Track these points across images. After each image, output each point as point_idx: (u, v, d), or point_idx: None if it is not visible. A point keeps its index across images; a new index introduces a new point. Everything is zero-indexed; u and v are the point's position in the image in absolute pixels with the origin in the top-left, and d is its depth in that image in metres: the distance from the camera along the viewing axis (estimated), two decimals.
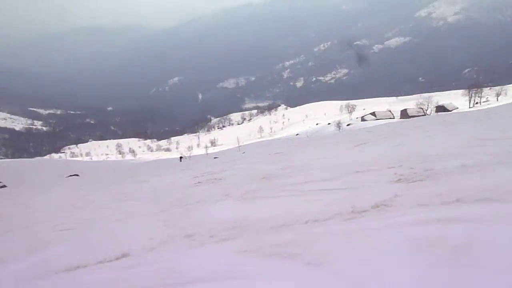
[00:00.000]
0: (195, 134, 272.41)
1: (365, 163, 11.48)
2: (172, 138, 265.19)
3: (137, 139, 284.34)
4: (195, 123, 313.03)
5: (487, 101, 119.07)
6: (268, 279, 3.40)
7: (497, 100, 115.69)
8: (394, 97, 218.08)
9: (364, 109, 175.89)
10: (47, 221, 9.99)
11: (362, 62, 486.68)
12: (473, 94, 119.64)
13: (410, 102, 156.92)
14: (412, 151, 12.61)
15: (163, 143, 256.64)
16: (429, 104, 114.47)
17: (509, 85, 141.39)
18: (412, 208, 5.22)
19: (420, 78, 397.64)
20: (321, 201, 6.85)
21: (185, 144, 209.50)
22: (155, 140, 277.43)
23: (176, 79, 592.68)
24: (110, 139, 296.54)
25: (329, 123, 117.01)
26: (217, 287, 3.32)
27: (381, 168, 10.04)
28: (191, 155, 72.34)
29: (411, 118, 70.06)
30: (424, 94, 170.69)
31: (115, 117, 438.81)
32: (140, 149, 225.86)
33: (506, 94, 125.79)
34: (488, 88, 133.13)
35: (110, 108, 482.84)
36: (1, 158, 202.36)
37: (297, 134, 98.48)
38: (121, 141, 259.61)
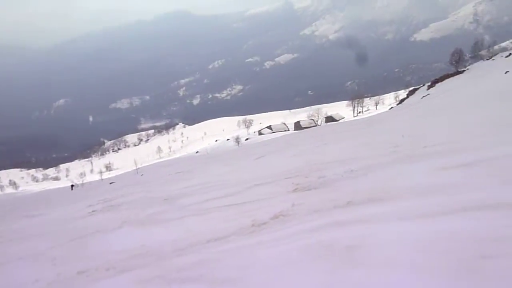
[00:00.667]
0: (87, 159, 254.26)
1: (264, 175, 11.82)
2: (61, 166, 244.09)
3: (18, 169, 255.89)
4: (87, 147, 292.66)
5: (368, 110, 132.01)
6: None
7: (376, 108, 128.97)
8: (287, 110, 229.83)
9: (260, 123, 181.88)
10: None
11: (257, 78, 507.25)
12: (356, 104, 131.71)
13: (302, 114, 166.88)
14: (307, 161, 13.35)
15: (51, 171, 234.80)
16: (319, 115, 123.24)
17: (385, 95, 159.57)
18: (308, 215, 5.45)
19: (309, 92, 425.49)
20: (223, 217, 6.82)
21: (77, 170, 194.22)
22: (40, 169, 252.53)
23: (62, 101, 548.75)
24: None
25: (228, 139, 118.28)
26: None
27: (279, 179, 10.41)
28: (84, 182, 67.39)
29: (304, 129, 74.48)
30: (314, 106, 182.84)
31: None
32: (23, 180, 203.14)
33: (383, 103, 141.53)
34: (368, 98, 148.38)
35: None
36: None
37: (197, 152, 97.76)
38: None
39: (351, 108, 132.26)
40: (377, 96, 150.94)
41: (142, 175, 40.94)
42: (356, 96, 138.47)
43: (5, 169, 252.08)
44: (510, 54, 50.46)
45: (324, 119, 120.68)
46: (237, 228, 5.76)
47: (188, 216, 7.55)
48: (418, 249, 3.17)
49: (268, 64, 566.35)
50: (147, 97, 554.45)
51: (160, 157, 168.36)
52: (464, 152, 8.18)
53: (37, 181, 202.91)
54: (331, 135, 24.45)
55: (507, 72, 33.19)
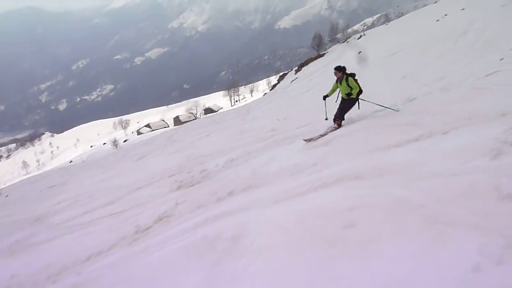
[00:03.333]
0: None
1: (146, 177, 11.42)
2: None
3: None
4: None
5: (244, 97, 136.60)
6: None
7: (252, 95, 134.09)
8: (164, 106, 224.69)
9: (138, 122, 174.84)
10: None
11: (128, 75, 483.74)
12: (232, 93, 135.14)
13: (180, 109, 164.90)
14: (189, 155, 13.27)
15: None
16: (198, 108, 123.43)
17: (258, 82, 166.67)
18: (192, 212, 5.44)
19: (185, 85, 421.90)
20: (104, 229, 6.41)
21: None
22: None
23: None
24: None
25: (104, 143, 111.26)
26: None
27: (162, 178, 10.17)
28: None
29: (184, 124, 73.71)
30: (191, 99, 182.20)
31: None
32: None
33: (258, 89, 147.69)
34: (243, 86, 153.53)
35: None
36: None
37: (71, 161, 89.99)
38: None
39: (228, 97, 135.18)
40: (251, 84, 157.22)
41: (6, 196, 36.22)
42: (231, 85, 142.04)
43: None
44: (360, 36, 56.97)
45: (203, 111, 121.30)
46: (120, 238, 5.47)
47: (64, 235, 6.91)
48: (291, 229, 3.39)
49: (138, 60, 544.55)
50: (2, 107, 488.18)
51: (27, 173, 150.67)
52: (326, 131, 8.99)
53: None
54: (211, 126, 24.69)
55: (360, 52, 37.53)
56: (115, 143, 74.93)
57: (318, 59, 55.55)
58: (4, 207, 19.70)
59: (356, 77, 8.30)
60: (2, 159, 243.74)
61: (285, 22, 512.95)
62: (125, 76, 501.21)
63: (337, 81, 8.46)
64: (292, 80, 48.75)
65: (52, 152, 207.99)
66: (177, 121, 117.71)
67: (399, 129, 6.34)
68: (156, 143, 28.39)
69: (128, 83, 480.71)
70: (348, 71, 8.53)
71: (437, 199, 3.12)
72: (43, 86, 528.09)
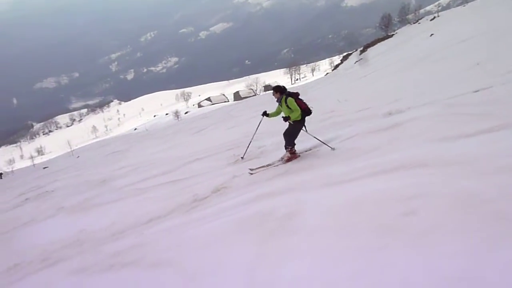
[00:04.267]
0: (15, 144, 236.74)
1: (204, 149, 11.76)
2: None
3: None
4: (13, 132, 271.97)
5: (305, 77, 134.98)
6: None
7: (313, 75, 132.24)
8: (225, 81, 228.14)
9: (199, 95, 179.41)
10: None
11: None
12: (293, 72, 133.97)
13: (240, 84, 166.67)
14: (247, 131, 13.43)
15: None
16: (258, 84, 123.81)
17: (321, 61, 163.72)
18: (248, 187, 5.54)
19: (247, 61, 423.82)
20: (163, 196, 6.73)
21: (5, 157, 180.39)
22: None
23: None
24: None
25: (167, 114, 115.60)
26: None
27: (220, 152, 10.43)
28: (13, 169, 63.03)
29: (244, 99, 74.39)
30: (252, 75, 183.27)
31: None
32: None
33: (319, 69, 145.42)
34: (305, 65, 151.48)
35: None
36: None
37: (135, 129, 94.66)
38: None
39: (289, 76, 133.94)
40: (313, 63, 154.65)
41: (77, 157, 39.10)
42: (292, 63, 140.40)
43: None
44: (434, 17, 53.36)
45: (263, 88, 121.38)
46: (178, 205, 5.73)
47: (126, 198, 7.35)
48: (343, 213, 3.34)
49: (203, 34, 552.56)
50: (76, 75, 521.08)
51: (96, 137, 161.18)
52: (389, 115, 8.65)
53: None
54: (270, 104, 24.73)
55: (432, 35, 35.23)
56: (176, 114, 77.48)
57: (385, 41, 53.19)
58: (75, 167, 21.32)
59: (300, 97, 7.08)
60: (75, 123, 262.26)
61: (352, 1, 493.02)
62: (189, 50, 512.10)
63: (278, 103, 7.26)
64: (356, 61, 47.28)
65: (119, 119, 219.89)
66: (237, 96, 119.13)
67: (470, 119, 5.95)
68: (216, 117, 29.04)
69: (192, 56, 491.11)
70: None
71: (508, 194, 2.91)
72: (113, 56, 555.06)
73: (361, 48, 59.05)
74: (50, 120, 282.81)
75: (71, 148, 66.59)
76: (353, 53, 62.49)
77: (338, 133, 8.07)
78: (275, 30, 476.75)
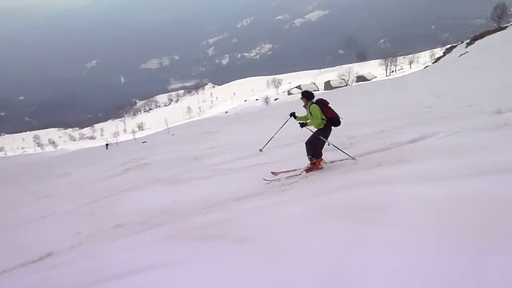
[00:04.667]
0: (120, 119, 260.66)
1: (292, 136, 11.81)
2: (96, 125, 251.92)
3: (56, 128, 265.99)
4: (120, 107, 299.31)
5: (402, 69, 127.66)
6: (201, 261, 3.38)
7: (410, 67, 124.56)
8: (317, 70, 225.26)
9: (289, 82, 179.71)
10: None
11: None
12: (388, 63, 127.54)
13: (332, 74, 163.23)
14: None
15: (86, 131, 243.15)
16: (350, 75, 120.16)
17: (420, 53, 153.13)
18: (337, 176, 5.48)
19: (340, 50, 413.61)
20: (251, 177, 6.94)
21: (111, 130, 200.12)
22: (77, 128, 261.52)
23: (94, 62, 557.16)
24: (25, 131, 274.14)
25: (257, 99, 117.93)
26: (149, 277, 3.23)
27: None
28: (118, 141, 69.42)
29: (335, 89, 72.92)
30: (344, 65, 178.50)
31: (29, 107, 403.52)
32: (61, 139, 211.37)
33: (418, 61, 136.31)
34: (402, 56, 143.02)
35: (21, 98, 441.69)
36: None
37: (226, 112, 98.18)
38: (38, 132, 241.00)
39: (384, 67, 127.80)
40: (411, 55, 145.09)
41: (172, 134, 41.73)
42: (389, 54, 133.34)
43: (44, 128, 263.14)
44: None
45: (355, 78, 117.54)
46: (267, 187, 5.88)
47: (217, 176, 7.72)
48: (442, 210, 3.16)
49: (298, 21, 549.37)
50: (176, 57, 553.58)
51: (190, 117, 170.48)
52: (498, 114, 7.87)
53: (74, 140, 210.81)
54: (362, 95, 23.94)
55: None
56: (266, 100, 78.61)
57: (497, 33, 47.95)
58: (170, 144, 22.84)
59: (328, 105, 6.68)
60: (172, 103, 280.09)
61: None
62: (284, 37, 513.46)
63: (304, 108, 6.91)
64: (461, 54, 43.45)
65: (211, 101, 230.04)
66: (327, 85, 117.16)
67: None
68: None
69: (285, 43, 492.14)
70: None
71: None
72: (211, 41, 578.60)
73: (468, 41, 53.96)
74: (150, 99, 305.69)
75: (167, 126, 71.34)
76: (458, 46, 57.35)
77: (436, 129, 7.55)
78: (373, 19, 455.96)
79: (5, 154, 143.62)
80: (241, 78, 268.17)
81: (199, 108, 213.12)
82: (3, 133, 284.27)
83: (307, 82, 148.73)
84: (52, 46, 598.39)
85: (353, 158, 6.48)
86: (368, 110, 14.83)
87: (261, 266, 2.93)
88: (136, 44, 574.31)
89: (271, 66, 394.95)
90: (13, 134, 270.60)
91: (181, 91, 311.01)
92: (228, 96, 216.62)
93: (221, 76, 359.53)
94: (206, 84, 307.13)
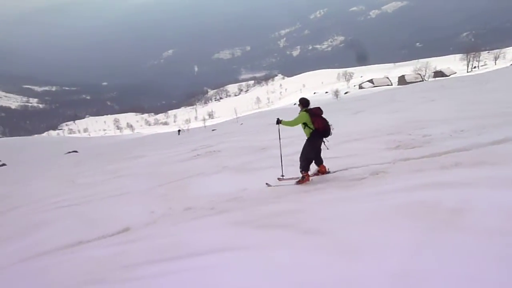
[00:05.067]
0: (192, 107, 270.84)
1: (362, 130, 11.50)
2: (169, 112, 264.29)
3: (134, 113, 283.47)
4: (192, 95, 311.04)
5: (485, 65, 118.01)
6: (267, 249, 3.45)
7: (495, 63, 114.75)
8: (391, 64, 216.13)
9: (361, 76, 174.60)
10: (47, 198, 10.05)
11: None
12: (471, 58, 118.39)
13: (407, 68, 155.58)
14: (410, 118, 12.62)
15: (161, 116, 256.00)
16: (427, 70, 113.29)
17: (507, 48, 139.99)
18: (410, 174, 5.25)
19: (417, 43, 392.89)
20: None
21: (183, 117, 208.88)
22: (152, 114, 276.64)
23: (170, 51, 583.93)
24: (107, 114, 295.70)
25: (326, 92, 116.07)
26: (219, 259, 3.37)
27: (379, 135, 10.07)
28: (189, 128, 72.26)
29: (409, 84, 69.47)
30: (421, 59, 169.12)
31: (111, 92, 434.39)
32: (137, 124, 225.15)
33: (504, 57, 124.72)
34: (486, 51, 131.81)
35: (105, 83, 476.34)
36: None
37: (294, 104, 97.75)
38: (118, 116, 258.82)
39: (465, 62, 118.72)
40: (497, 50, 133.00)
41: (241, 124, 42.52)
42: (471, 49, 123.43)
43: (123, 113, 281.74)
44: None
45: (433, 73, 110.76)
46: (334, 181, 5.82)
47: (285, 166, 7.75)
48: None
49: (373, 13, 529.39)
50: (248, 48, 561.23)
51: (259, 107, 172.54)
52: None
53: (149, 124, 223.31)
54: (439, 91, 22.56)
55: None
56: (336, 93, 77.05)
57: None
58: (239, 133, 23.31)
59: (321, 115, 6.63)
60: (242, 93, 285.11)
61: None
62: (357, 29, 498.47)
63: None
64: None
65: (280, 93, 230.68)
66: (401, 80, 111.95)
67: None
68: (376, 100, 27.93)
69: (359, 36, 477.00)
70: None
71: None
72: (282, 32, 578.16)
73: None
74: (221, 88, 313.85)
75: (236, 115, 72.82)
76: None
77: None
78: (456, 11, 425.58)
79: (89, 135, 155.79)
80: (311, 70, 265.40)
81: (268, 99, 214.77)
82: (87, 115, 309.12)
83: (380, 76, 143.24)
84: (134, 36, 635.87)
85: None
86: (446, 108, 13.93)
87: (328, 259, 2.92)
88: (210, 35, 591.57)
89: (343, 58, 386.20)
90: (96, 117, 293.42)
91: (251, 82, 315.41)
92: (297, 88, 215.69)
93: (291, 68, 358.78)
94: (276, 75, 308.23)
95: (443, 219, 3.21)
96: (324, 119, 6.62)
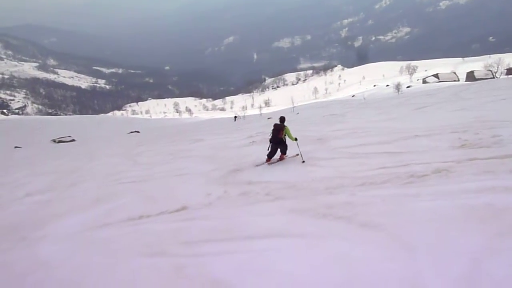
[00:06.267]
0: (249, 94, 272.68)
1: (425, 127, 11.03)
2: (227, 98, 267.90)
3: (193, 98, 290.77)
4: (250, 83, 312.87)
5: None
6: (322, 238, 3.46)
7: None
8: (460, 58, 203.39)
9: (426, 70, 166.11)
10: (111, 174, 10.70)
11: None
12: None
13: (477, 64, 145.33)
14: (478, 116, 11.90)
15: (218, 102, 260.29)
16: (499, 66, 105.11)
17: None
18: (476, 175, 4.98)
19: (491, 38, 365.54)
20: (377, 164, 6.73)
21: (240, 104, 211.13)
22: (210, 99, 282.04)
23: (231, 38, 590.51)
24: (167, 97, 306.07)
25: (387, 85, 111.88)
26: (273, 244, 3.44)
27: (443, 133, 9.60)
28: (245, 115, 73.02)
29: (478, 81, 65.13)
30: (494, 55, 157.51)
31: (172, 76, 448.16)
32: (196, 108, 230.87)
33: None
34: None
35: (167, 68, 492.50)
36: (70, 114, 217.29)
37: (353, 96, 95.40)
38: (178, 100, 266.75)
39: None
40: None
41: (297, 113, 42.31)
42: None
43: (183, 97, 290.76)
44: None
45: (505, 70, 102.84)
46: (393, 177, 5.65)
47: (341, 158, 7.66)
48: None
49: (444, 4, 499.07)
50: (308, 37, 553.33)
51: (316, 98, 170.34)
52: None
53: (207, 109, 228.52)
54: (505, 90, 21.01)
55: None
56: (397, 87, 74.10)
57: None
58: (295, 123, 23.24)
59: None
60: (300, 82, 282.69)
61: None
62: (425, 20, 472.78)
63: None
64: None
65: (339, 84, 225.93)
66: (470, 76, 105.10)
67: None
68: (441, 96, 26.54)
69: (426, 28, 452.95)
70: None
71: None
72: (345, 22, 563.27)
73: None
74: (279, 77, 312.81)
75: (293, 105, 72.46)
76: None
77: None
78: None
79: (150, 117, 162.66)
80: (373, 62, 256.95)
81: (326, 89, 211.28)
82: (150, 98, 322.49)
83: (447, 70, 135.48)
84: (196, 23, 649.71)
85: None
86: None
87: (385, 255, 2.89)
88: (271, 23, 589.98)
89: (407, 51, 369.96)
90: (158, 100, 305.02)
91: (310, 71, 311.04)
92: (356, 79, 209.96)
93: (352, 59, 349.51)
94: (335, 66, 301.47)
95: (510, 225, 3.04)
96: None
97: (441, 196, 4.17)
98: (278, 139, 9.17)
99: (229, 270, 3.17)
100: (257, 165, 8.95)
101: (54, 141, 38.78)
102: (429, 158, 6.62)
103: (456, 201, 3.86)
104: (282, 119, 9.66)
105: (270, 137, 9.40)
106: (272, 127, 9.45)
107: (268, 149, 9.32)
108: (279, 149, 9.29)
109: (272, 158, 9.28)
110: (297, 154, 9.08)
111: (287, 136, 9.24)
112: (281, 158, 9.30)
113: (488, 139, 7.80)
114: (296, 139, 9.27)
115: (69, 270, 3.86)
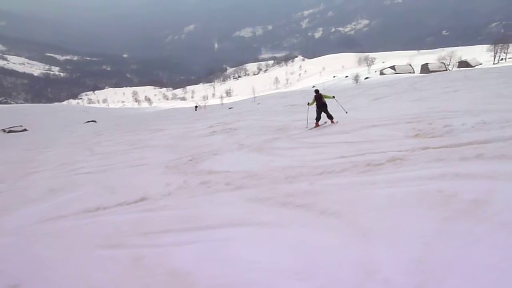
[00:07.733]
0: (210, 83, 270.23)
1: (382, 117, 11.37)
2: (188, 87, 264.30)
3: (152, 87, 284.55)
4: (211, 72, 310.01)
5: None
6: (282, 226, 3.50)
7: None
8: (415, 51, 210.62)
9: (383, 62, 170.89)
10: (66, 165, 10.30)
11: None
12: (498, 50, 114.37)
13: (431, 56, 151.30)
14: (432, 107, 12.39)
15: (179, 92, 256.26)
16: (452, 59, 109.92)
17: None
18: (429, 163, 5.19)
19: (444, 31, 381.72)
20: (336, 153, 6.86)
21: (201, 93, 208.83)
22: (170, 88, 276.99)
23: (192, 26, 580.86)
24: (126, 86, 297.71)
25: (346, 76, 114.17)
26: (234, 233, 3.44)
27: (399, 123, 9.93)
28: (206, 104, 72.42)
29: (432, 73, 67.82)
30: (447, 48, 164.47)
31: (131, 64, 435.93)
32: (155, 97, 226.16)
33: None
34: None
35: (125, 56, 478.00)
36: (21, 103, 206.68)
37: (313, 87, 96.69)
38: (137, 88, 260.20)
39: (492, 53, 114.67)
40: None
41: (258, 103, 42.44)
42: (500, 40, 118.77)
43: (141, 86, 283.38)
44: None
45: (457, 63, 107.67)
46: (351, 165, 5.78)
47: (301, 148, 7.76)
48: None
49: None
50: (270, 27, 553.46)
51: (277, 88, 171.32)
52: None
53: (167, 99, 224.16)
54: (463, 81, 22.04)
55: None
56: (356, 78, 75.83)
57: None
58: (256, 112, 23.30)
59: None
60: (261, 72, 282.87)
61: None
62: (383, 13, 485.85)
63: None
64: None
65: (299, 74, 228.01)
66: (424, 68, 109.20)
67: None
68: (397, 87, 27.46)
69: (384, 20, 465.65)
70: None
71: None
72: (306, 13, 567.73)
73: None
74: (240, 67, 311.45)
75: (254, 95, 72.54)
76: None
77: None
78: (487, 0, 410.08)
79: (108, 106, 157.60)
80: (333, 53, 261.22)
81: (287, 80, 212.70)
82: (107, 87, 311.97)
83: (403, 62, 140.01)
84: (158, 9, 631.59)
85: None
86: (469, 99, 13.62)
87: (343, 241, 2.96)
88: (232, 12, 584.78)
89: (365, 43, 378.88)
90: (115, 88, 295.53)
91: (271, 62, 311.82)
92: (317, 70, 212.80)
93: (312, 50, 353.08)
94: (296, 56, 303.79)
95: (462, 210, 3.19)
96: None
97: (396, 183, 4.32)
98: (321, 102, 11.95)
99: (189, 260, 3.14)
100: (309, 128, 11.45)
101: (4, 130, 36.65)
102: (385, 147, 6.84)
103: (410, 188, 4.01)
104: (317, 91, 12.42)
105: (308, 104, 13.04)
106: (314, 98, 12.21)
107: (315, 115, 11.89)
108: (325, 115, 11.87)
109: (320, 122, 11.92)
110: (334, 121, 11.82)
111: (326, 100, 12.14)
112: (331, 122, 11.80)
113: (441, 128, 8.15)
114: (333, 97, 13.03)
115: (19, 265, 3.68)
